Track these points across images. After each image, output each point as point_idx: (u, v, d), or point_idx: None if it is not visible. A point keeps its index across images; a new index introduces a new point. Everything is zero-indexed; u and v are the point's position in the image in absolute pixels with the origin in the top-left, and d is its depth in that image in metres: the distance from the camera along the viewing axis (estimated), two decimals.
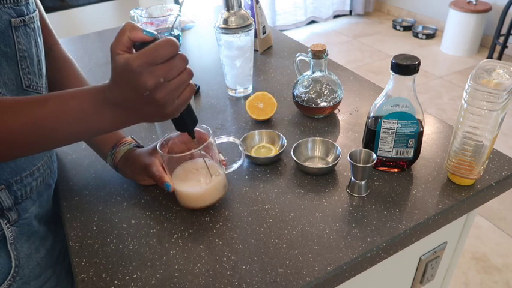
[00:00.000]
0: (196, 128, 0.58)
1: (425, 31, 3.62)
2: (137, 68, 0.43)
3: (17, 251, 0.59)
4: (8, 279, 0.58)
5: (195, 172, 0.62)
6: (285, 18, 3.91)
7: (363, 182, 0.64)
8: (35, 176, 0.62)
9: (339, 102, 0.84)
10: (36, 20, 0.61)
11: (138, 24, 0.46)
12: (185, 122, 0.55)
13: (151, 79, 0.44)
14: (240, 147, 0.66)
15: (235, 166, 0.67)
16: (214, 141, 0.61)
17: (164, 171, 0.63)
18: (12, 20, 0.55)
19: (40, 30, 0.63)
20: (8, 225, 0.58)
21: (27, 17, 0.57)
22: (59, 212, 0.70)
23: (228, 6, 0.85)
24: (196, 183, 0.61)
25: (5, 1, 0.54)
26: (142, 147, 0.71)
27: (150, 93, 0.45)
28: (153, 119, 0.51)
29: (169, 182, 0.61)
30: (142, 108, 0.47)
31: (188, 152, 0.58)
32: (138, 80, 0.44)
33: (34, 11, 0.60)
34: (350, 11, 4.26)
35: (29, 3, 0.59)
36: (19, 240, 0.60)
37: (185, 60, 0.46)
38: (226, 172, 0.66)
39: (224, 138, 0.65)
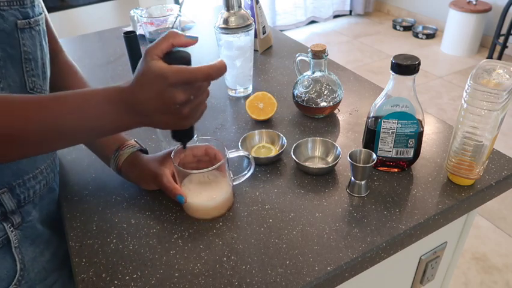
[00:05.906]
0: (210, 145, 0.64)
1: (425, 31, 3.62)
2: (174, 84, 0.45)
3: (22, 255, 0.59)
4: (13, 283, 0.58)
5: (204, 185, 0.63)
6: (285, 18, 3.91)
7: (363, 182, 0.64)
8: (38, 179, 0.62)
9: (339, 102, 0.84)
10: (42, 23, 0.61)
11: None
12: (186, 134, 0.57)
13: (184, 96, 0.46)
14: (249, 159, 0.65)
15: (247, 175, 0.66)
16: (227, 158, 0.62)
17: (175, 181, 0.63)
18: (18, 21, 0.55)
19: (46, 34, 0.63)
20: (12, 228, 0.58)
21: (32, 19, 0.57)
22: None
23: (228, 6, 0.85)
24: (204, 196, 0.61)
25: (11, 3, 0.54)
26: (146, 150, 0.70)
27: (178, 107, 0.47)
28: (165, 127, 0.52)
29: (182, 194, 0.61)
30: (159, 117, 0.48)
31: (205, 170, 0.58)
32: (171, 94, 0.46)
33: (40, 14, 0.60)
34: (350, 11, 4.26)
35: (34, 6, 0.58)
36: (23, 243, 0.60)
37: (210, 82, 0.49)
38: (234, 183, 0.66)
39: (235, 153, 0.64)
